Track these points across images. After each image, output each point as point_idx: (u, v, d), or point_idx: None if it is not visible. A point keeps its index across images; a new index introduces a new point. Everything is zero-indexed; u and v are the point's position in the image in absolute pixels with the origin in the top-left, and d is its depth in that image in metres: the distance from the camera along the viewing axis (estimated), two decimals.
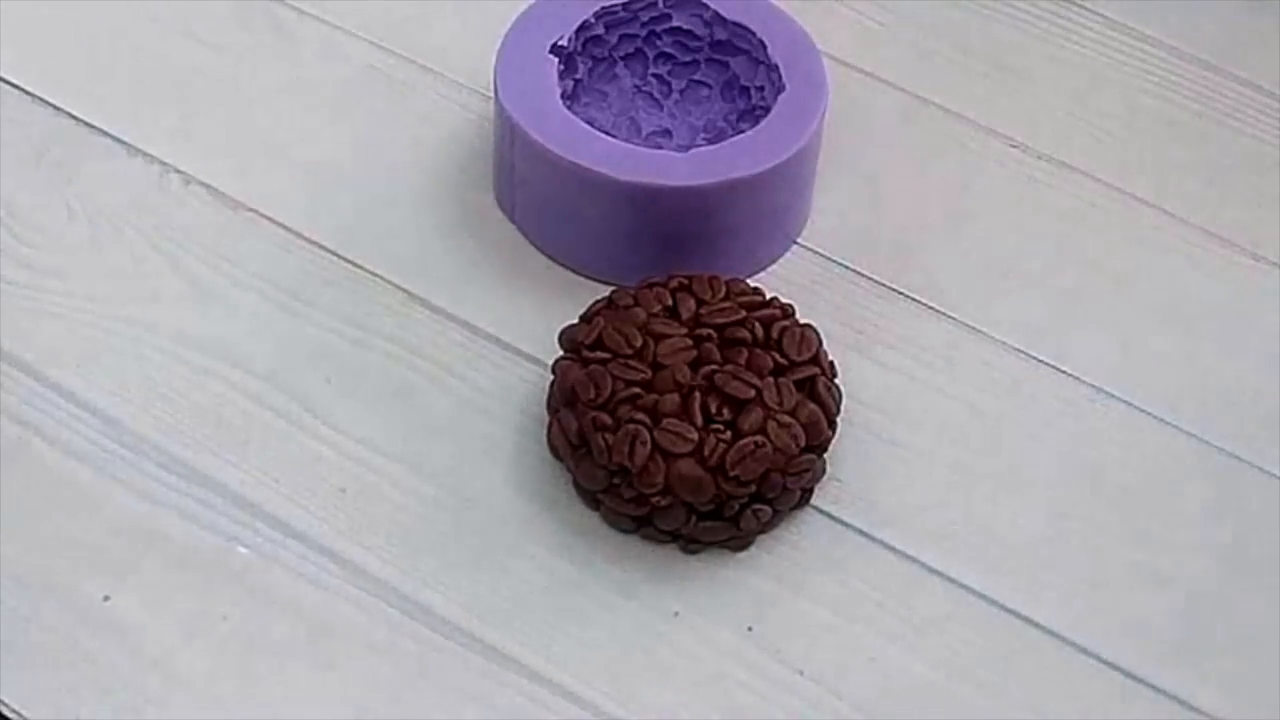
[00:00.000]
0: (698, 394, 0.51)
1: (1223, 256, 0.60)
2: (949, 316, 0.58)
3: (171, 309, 0.57)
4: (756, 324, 0.53)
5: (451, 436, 0.54)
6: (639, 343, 0.52)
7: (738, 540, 0.52)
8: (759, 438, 0.50)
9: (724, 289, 0.53)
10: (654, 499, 0.50)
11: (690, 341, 0.52)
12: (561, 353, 0.53)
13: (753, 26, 0.59)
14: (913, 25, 0.66)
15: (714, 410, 0.51)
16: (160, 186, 0.60)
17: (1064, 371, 0.57)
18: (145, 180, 0.60)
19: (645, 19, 0.60)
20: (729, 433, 0.51)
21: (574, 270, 0.58)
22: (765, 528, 0.52)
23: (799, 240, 0.60)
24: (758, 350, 0.52)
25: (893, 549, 0.53)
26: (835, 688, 0.50)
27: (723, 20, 0.59)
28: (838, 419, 0.53)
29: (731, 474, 0.50)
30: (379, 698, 0.49)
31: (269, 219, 0.59)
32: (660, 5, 0.60)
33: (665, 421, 0.51)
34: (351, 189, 0.60)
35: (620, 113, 0.60)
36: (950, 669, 0.50)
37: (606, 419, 0.51)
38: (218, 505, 0.52)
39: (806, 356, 0.52)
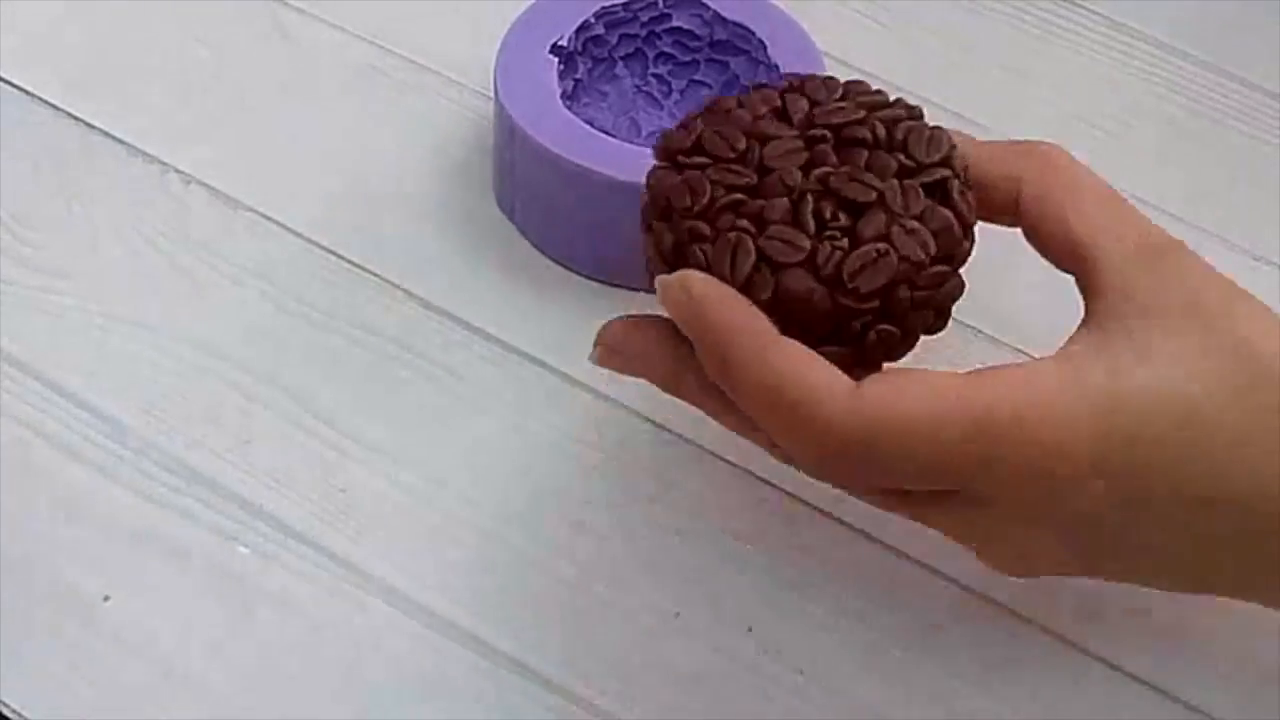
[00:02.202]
0: (810, 198, 0.44)
1: (1223, 256, 0.60)
2: (949, 316, 0.58)
3: (171, 309, 0.57)
4: (878, 124, 0.46)
5: (451, 436, 0.54)
6: (742, 146, 0.45)
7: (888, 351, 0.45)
8: (882, 245, 0.44)
9: (841, 89, 0.47)
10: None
11: (802, 143, 0.45)
12: (655, 163, 0.47)
13: (753, 26, 0.59)
14: (913, 25, 0.66)
15: (829, 216, 0.44)
16: (160, 186, 0.60)
17: None
18: (145, 180, 0.60)
19: (645, 19, 0.60)
20: (846, 240, 0.44)
21: (574, 270, 0.58)
22: (893, 354, 0.45)
23: None
24: (879, 151, 0.45)
25: (893, 549, 0.53)
26: (835, 688, 0.50)
27: (723, 20, 0.59)
28: (974, 230, 0.47)
29: (851, 285, 0.43)
30: (379, 698, 0.49)
31: (269, 219, 0.59)
32: (660, 5, 0.60)
33: (773, 229, 0.44)
34: (351, 189, 0.60)
35: (620, 113, 0.60)
36: (951, 669, 0.50)
37: (705, 229, 0.44)
38: (218, 505, 0.52)
39: (937, 158, 0.46)
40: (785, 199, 0.44)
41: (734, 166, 0.45)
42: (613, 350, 0.47)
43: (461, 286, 0.58)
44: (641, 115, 0.60)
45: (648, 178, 0.47)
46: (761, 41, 0.58)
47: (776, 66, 0.58)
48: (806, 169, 0.45)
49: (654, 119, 0.60)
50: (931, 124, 0.47)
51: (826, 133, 0.46)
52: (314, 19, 0.65)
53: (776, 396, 0.43)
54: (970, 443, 0.43)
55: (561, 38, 0.58)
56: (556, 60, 0.58)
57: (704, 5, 0.59)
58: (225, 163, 0.60)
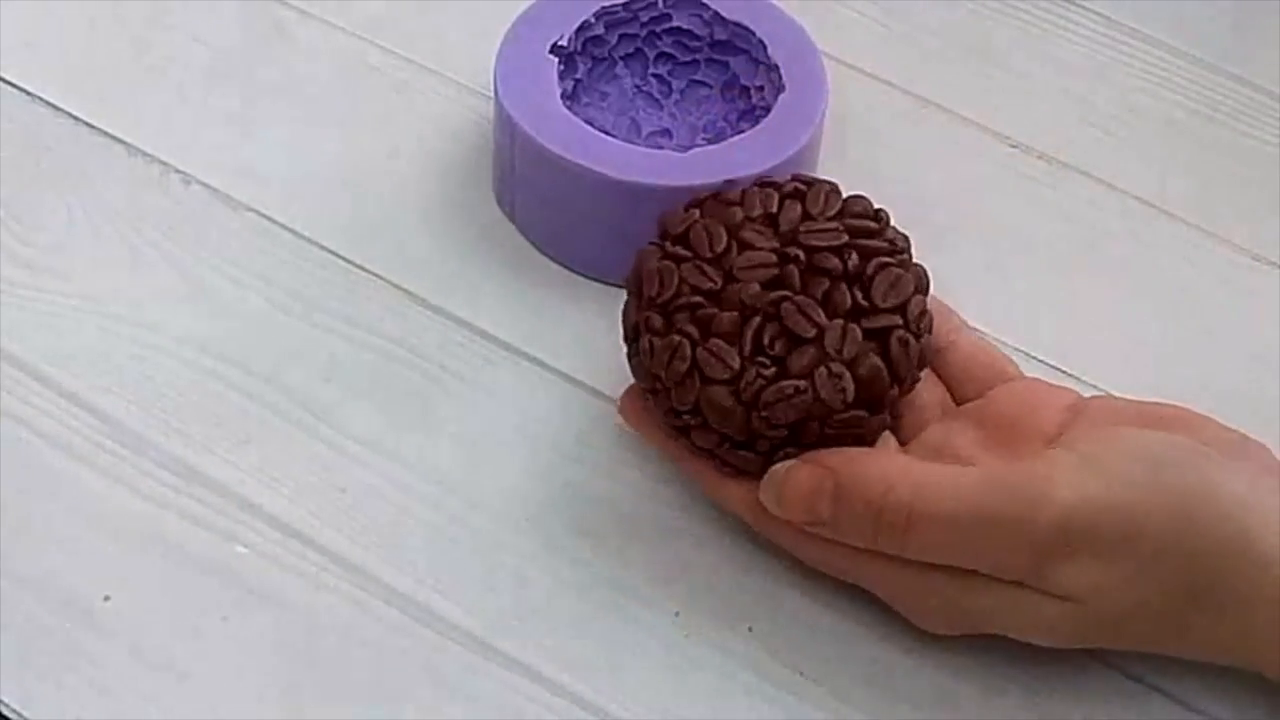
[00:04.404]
0: (757, 320, 0.48)
1: (1223, 256, 0.60)
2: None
3: (171, 309, 0.57)
4: (854, 254, 0.49)
5: (451, 436, 0.54)
6: (721, 248, 0.49)
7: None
8: (803, 383, 0.47)
9: (840, 206, 0.50)
10: (684, 417, 0.49)
11: (775, 259, 0.49)
12: (652, 239, 0.51)
13: (753, 26, 0.59)
14: (913, 25, 0.66)
15: (767, 342, 0.48)
16: (160, 186, 0.60)
17: (1064, 371, 0.57)
18: (145, 180, 0.60)
19: (645, 19, 0.60)
20: (774, 369, 0.48)
21: (574, 270, 0.58)
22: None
23: None
24: (841, 285, 0.48)
25: None
26: (835, 688, 0.50)
27: (723, 20, 0.59)
28: (913, 375, 0.50)
29: (764, 414, 0.48)
30: (379, 698, 0.49)
31: (269, 219, 0.59)
32: (660, 5, 0.60)
33: (713, 342, 0.48)
34: (351, 189, 0.60)
35: (620, 113, 0.60)
36: (951, 669, 0.50)
37: (659, 322, 0.49)
38: (218, 505, 0.52)
39: (891, 304, 0.48)
40: (736, 314, 0.48)
41: (706, 268, 0.49)
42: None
43: (461, 286, 0.58)
44: (641, 115, 0.60)
45: (639, 251, 0.51)
46: (761, 41, 0.58)
47: (776, 66, 0.58)
48: (770, 286, 0.48)
49: (654, 119, 0.60)
50: (911, 262, 0.50)
51: (801, 254, 0.49)
52: (314, 19, 0.65)
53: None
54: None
55: (561, 38, 0.58)
56: (556, 60, 0.58)
57: (704, 5, 0.59)
58: (225, 163, 0.60)
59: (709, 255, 0.49)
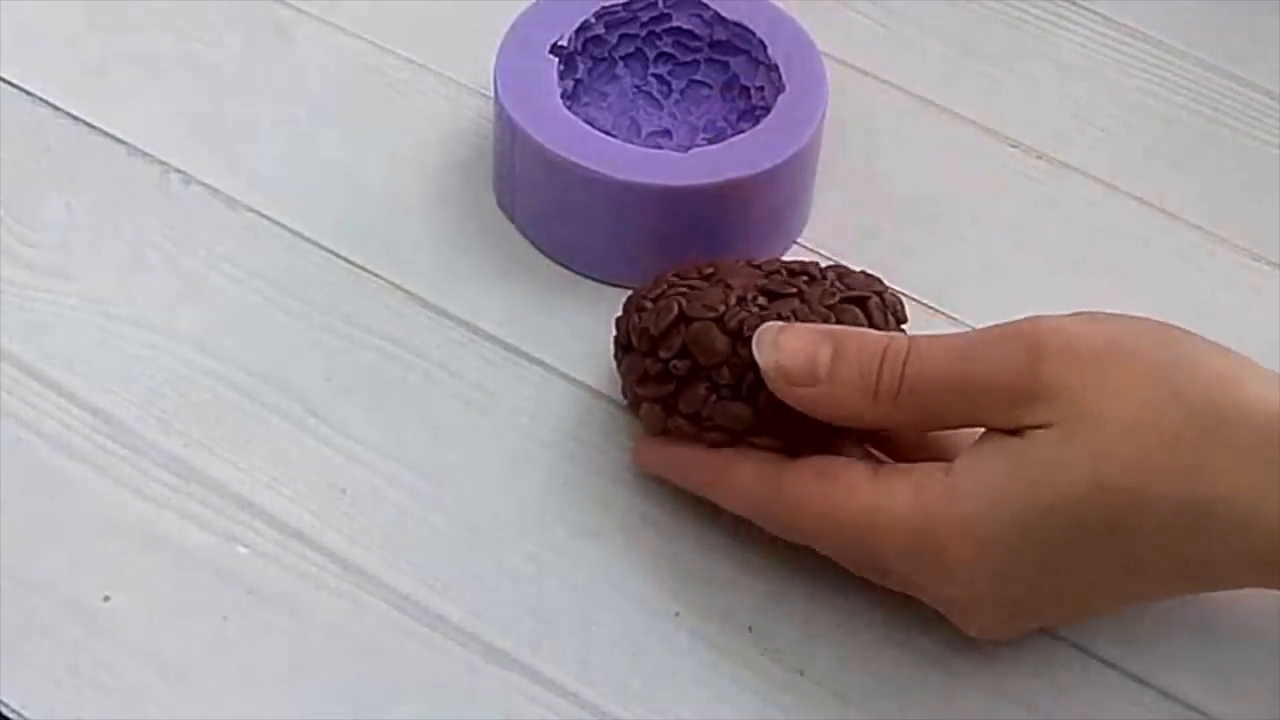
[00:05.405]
0: (741, 291, 0.50)
1: (1223, 256, 0.60)
2: (949, 316, 0.58)
3: (172, 309, 0.57)
4: (838, 280, 0.51)
5: (451, 436, 0.54)
6: (709, 272, 0.52)
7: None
8: (789, 315, 0.49)
9: (834, 273, 0.52)
10: (672, 364, 0.50)
11: (764, 280, 0.51)
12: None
13: (753, 26, 0.59)
14: (913, 25, 0.66)
15: (751, 299, 0.50)
16: (160, 186, 0.60)
17: None
18: (145, 180, 0.60)
19: (645, 19, 0.60)
20: (758, 311, 0.50)
21: (574, 270, 0.58)
22: (821, 447, 0.50)
23: (799, 240, 0.60)
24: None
25: None
26: (835, 688, 0.50)
27: (723, 20, 0.59)
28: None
29: (747, 335, 0.49)
30: (379, 698, 0.49)
31: (269, 219, 0.59)
32: (660, 5, 0.60)
33: (699, 295, 0.50)
34: (351, 189, 0.60)
35: (620, 113, 0.60)
36: (951, 670, 0.50)
37: (648, 303, 0.51)
38: (218, 505, 0.52)
39: (871, 289, 0.51)
40: (722, 289, 0.51)
41: (695, 280, 0.51)
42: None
43: (462, 286, 0.58)
44: (641, 115, 0.60)
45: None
46: (761, 41, 0.58)
47: (776, 66, 0.58)
48: (752, 286, 0.51)
49: (654, 119, 0.60)
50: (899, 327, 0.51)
51: (783, 270, 0.52)
52: (313, 19, 0.65)
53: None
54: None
55: (561, 38, 0.58)
56: (556, 60, 0.58)
57: (704, 5, 0.59)
58: (225, 163, 0.60)
59: (696, 276, 0.52)
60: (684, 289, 0.51)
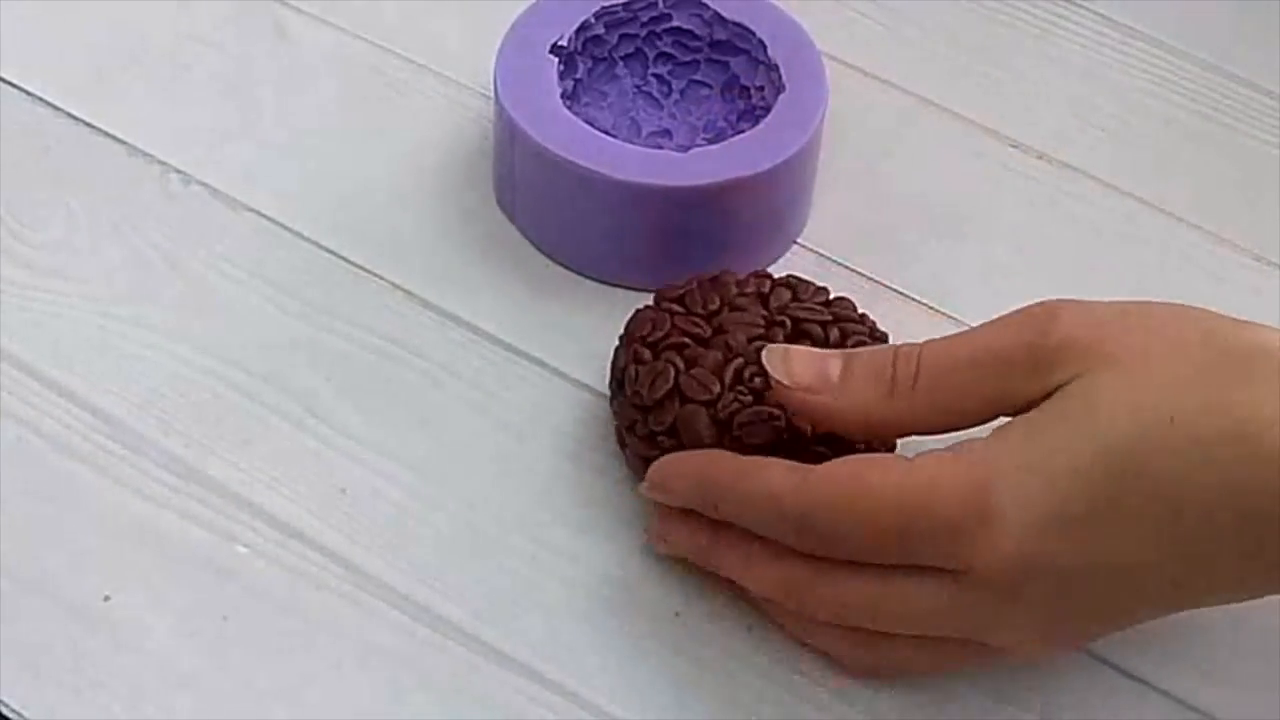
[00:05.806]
0: (740, 359, 0.50)
1: (1223, 256, 0.60)
2: (949, 317, 0.58)
3: (171, 309, 0.57)
4: (836, 329, 0.51)
5: (452, 436, 0.54)
6: (714, 307, 0.52)
7: None
8: (777, 409, 0.49)
9: (826, 298, 0.53)
10: (660, 439, 0.50)
11: (763, 322, 0.51)
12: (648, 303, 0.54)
13: (753, 26, 0.59)
14: (913, 25, 0.66)
15: (747, 377, 0.50)
16: (160, 186, 0.60)
17: None
18: (145, 180, 0.60)
19: (645, 19, 0.60)
20: (751, 398, 0.50)
21: (574, 270, 0.58)
22: None
23: (799, 240, 0.60)
24: (822, 346, 0.51)
25: None
26: (835, 688, 0.50)
27: (723, 20, 0.59)
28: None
29: (736, 434, 0.49)
30: (379, 698, 0.49)
31: (269, 219, 0.59)
32: (660, 5, 0.60)
33: (696, 370, 0.50)
34: (352, 189, 0.60)
35: (620, 113, 0.60)
36: (950, 669, 0.50)
37: (647, 355, 0.51)
38: (218, 505, 0.52)
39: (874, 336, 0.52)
40: (720, 354, 0.50)
41: (697, 320, 0.51)
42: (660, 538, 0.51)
43: (461, 286, 0.58)
44: (641, 115, 0.60)
45: (635, 309, 0.53)
46: (761, 41, 0.58)
47: (776, 66, 0.58)
48: (753, 340, 0.51)
49: (654, 119, 0.60)
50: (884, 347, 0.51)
51: (787, 321, 0.51)
52: (314, 19, 0.65)
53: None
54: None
55: (561, 38, 0.58)
56: (556, 60, 0.58)
57: (704, 5, 0.59)
58: (225, 163, 0.60)
59: (701, 311, 0.52)
60: (684, 341, 0.51)
